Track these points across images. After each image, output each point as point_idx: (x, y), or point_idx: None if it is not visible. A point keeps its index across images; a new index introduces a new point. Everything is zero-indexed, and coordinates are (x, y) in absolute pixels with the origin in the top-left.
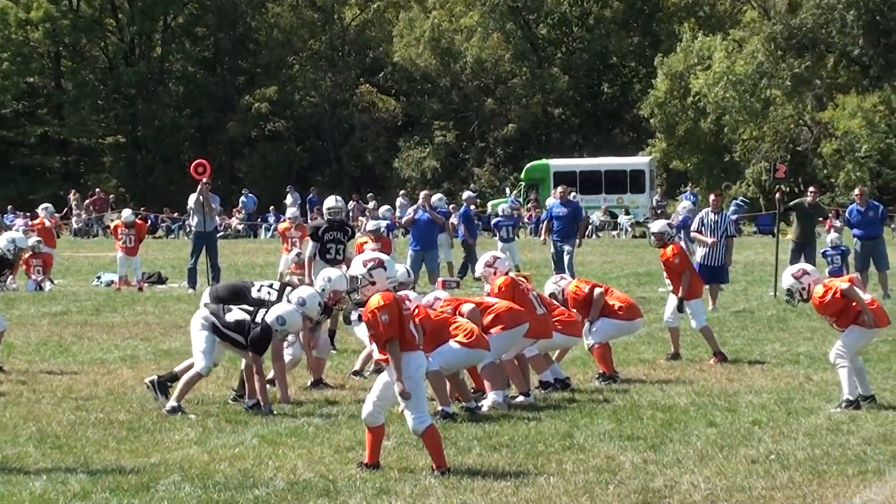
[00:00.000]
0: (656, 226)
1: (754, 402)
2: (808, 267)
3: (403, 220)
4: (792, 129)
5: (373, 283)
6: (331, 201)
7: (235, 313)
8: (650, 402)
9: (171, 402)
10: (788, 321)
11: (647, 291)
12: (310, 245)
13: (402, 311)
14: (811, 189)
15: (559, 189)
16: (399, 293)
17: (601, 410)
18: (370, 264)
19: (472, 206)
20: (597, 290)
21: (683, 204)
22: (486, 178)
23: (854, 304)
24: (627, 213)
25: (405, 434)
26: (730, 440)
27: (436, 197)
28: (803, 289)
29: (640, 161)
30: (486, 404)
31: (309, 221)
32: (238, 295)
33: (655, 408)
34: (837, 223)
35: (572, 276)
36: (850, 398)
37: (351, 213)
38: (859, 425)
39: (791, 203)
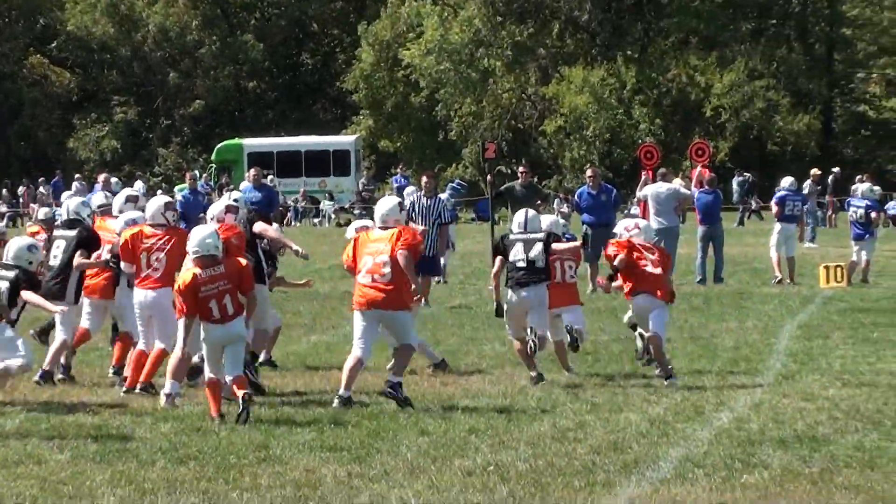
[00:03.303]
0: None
1: (471, 409)
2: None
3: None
4: (514, 105)
5: None
6: None
7: None
8: (355, 409)
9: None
10: None
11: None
12: None
13: None
14: (521, 169)
15: (253, 172)
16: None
17: (300, 419)
18: None
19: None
20: None
21: (409, 189)
22: (172, 160)
23: None
24: (331, 199)
25: (81, 447)
26: (443, 450)
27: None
28: None
29: (344, 140)
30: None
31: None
32: None
33: (361, 416)
34: (565, 209)
35: None
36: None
37: (22, 200)
38: (587, 433)
39: (502, 187)
